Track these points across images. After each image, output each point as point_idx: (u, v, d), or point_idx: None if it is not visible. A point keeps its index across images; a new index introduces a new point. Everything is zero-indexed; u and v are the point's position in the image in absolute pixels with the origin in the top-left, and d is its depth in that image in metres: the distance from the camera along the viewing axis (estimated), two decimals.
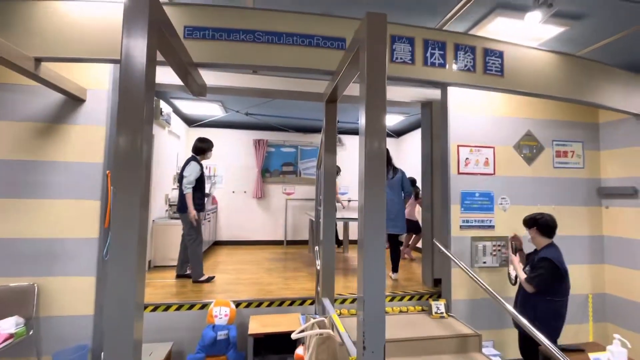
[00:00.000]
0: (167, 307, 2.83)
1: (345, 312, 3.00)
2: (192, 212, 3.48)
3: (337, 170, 5.87)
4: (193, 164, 3.61)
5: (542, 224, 2.36)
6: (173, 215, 4.45)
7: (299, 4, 2.49)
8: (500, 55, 2.49)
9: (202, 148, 3.74)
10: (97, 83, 2.65)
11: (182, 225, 3.68)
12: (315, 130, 6.41)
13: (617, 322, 3.28)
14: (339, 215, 4.70)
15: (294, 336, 1.55)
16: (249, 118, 5.54)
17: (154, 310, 2.79)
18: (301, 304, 3.04)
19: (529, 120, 3.34)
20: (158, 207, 4.41)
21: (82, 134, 2.60)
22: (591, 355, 1.85)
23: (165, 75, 2.84)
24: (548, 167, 3.35)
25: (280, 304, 3.01)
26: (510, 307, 2.22)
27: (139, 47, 1.27)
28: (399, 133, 6.64)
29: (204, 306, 2.86)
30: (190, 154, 3.82)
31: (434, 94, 3.68)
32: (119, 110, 1.22)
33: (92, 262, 2.55)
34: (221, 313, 2.59)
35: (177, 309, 2.84)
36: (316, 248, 3.04)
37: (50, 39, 2.08)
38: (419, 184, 5.13)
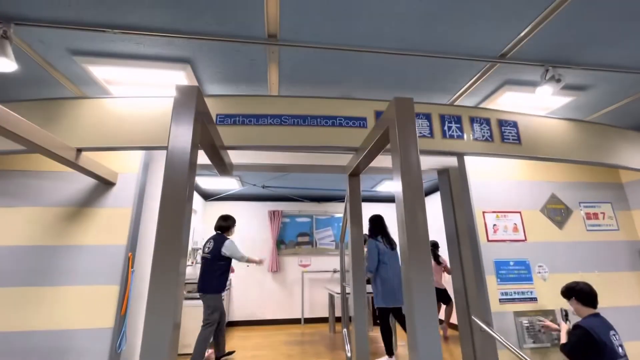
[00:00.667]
0: None
1: None
2: (257, 259, 4.14)
3: (366, 238, 5.71)
4: (230, 240, 3.94)
5: (579, 293, 2.25)
6: (187, 295, 4.23)
7: (319, 89, 2.71)
8: (515, 124, 2.58)
9: (227, 226, 4.03)
10: (128, 167, 2.77)
11: (204, 308, 3.52)
12: (329, 199, 6.45)
13: None
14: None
15: None
16: (264, 190, 5.64)
17: None
18: None
19: (551, 183, 3.31)
20: None
21: (108, 216, 2.62)
22: None
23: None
24: (581, 230, 3.20)
25: None
26: None
27: (185, 135, 1.35)
28: None
29: None
30: (208, 229, 3.84)
31: (450, 161, 3.73)
32: (164, 190, 1.24)
33: (104, 356, 2.34)
34: None
35: None
36: (344, 331, 2.77)
37: (91, 131, 2.25)
38: (444, 252, 4.93)
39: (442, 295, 4.62)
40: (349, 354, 2.56)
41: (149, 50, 2.20)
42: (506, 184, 3.20)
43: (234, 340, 4.55)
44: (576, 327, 2.14)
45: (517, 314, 2.83)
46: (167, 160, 1.31)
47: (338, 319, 5.67)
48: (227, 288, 3.93)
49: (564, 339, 2.26)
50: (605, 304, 3.01)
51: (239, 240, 6.08)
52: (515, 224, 3.09)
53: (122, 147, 2.22)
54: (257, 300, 5.80)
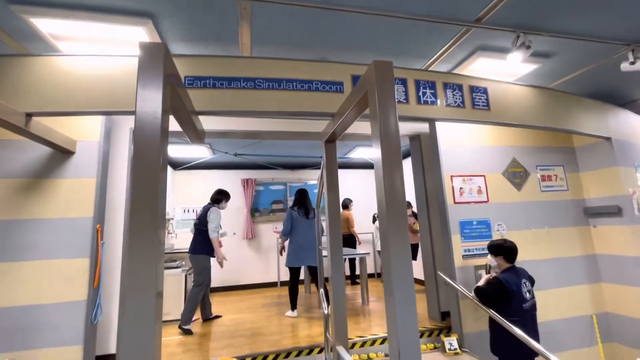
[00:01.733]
0: None
1: (356, 358, 2.84)
2: (220, 255, 3.83)
3: (349, 202, 5.79)
4: (215, 209, 4.01)
5: (506, 251, 2.52)
6: (167, 265, 4.19)
7: (293, 52, 2.60)
8: (485, 91, 2.66)
9: (219, 199, 4.20)
10: (88, 134, 2.56)
11: (192, 268, 3.79)
12: (303, 166, 6.44)
13: (624, 341, 3.28)
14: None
15: None
16: (237, 158, 5.51)
17: None
18: (309, 353, 2.86)
19: (513, 147, 3.52)
20: None
21: (70, 188, 2.45)
22: None
23: None
24: (536, 191, 3.49)
25: (287, 356, 2.80)
26: (521, 332, 2.17)
27: (154, 99, 1.26)
28: None
29: None
30: (178, 199, 3.74)
31: (421, 127, 3.84)
32: (135, 160, 1.18)
33: (79, 328, 2.30)
34: None
35: None
36: (321, 291, 2.91)
37: (42, 94, 2.02)
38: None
39: (412, 251, 4.97)
40: (326, 311, 2.71)
41: (100, 0, 1.96)
42: (473, 149, 3.36)
43: (214, 306, 4.64)
44: (495, 279, 2.46)
45: (477, 267, 3.12)
46: (136, 127, 1.22)
47: (313, 281, 5.94)
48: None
49: (481, 283, 2.59)
50: (550, 255, 3.40)
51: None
52: (479, 186, 3.29)
53: (80, 111, 2.03)
54: (233, 266, 5.87)
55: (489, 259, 2.62)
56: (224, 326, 3.65)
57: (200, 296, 3.67)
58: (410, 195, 5.52)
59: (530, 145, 3.60)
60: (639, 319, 3.17)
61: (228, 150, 4.97)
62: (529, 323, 2.33)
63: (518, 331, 2.16)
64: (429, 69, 2.79)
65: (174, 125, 2.12)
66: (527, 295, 2.36)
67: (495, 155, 3.44)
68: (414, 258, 5.05)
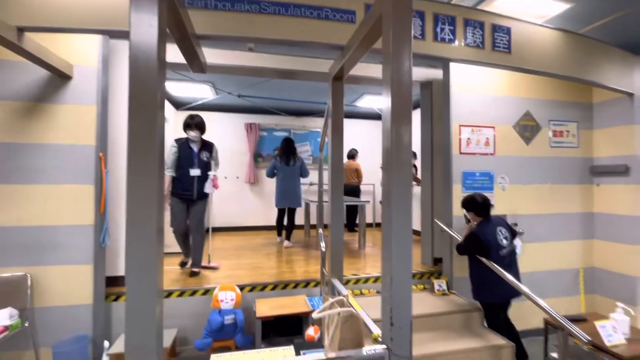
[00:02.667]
0: (169, 294, 2.75)
1: (349, 292, 3.01)
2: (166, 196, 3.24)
3: (355, 153, 5.75)
4: (216, 146, 3.63)
5: (475, 206, 2.59)
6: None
7: None
8: (508, 31, 2.46)
9: (184, 123, 3.46)
10: (85, 59, 2.45)
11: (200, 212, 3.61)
12: (307, 113, 6.29)
13: (605, 293, 3.45)
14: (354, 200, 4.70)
15: (315, 315, 1.53)
16: (240, 101, 5.36)
17: None
18: (305, 286, 3.03)
19: (528, 100, 3.37)
20: None
21: (70, 114, 2.42)
22: (597, 323, 1.92)
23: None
24: (545, 146, 3.41)
25: (285, 287, 2.99)
26: (511, 277, 2.28)
27: (149, 21, 1.14)
28: None
29: (207, 292, 2.80)
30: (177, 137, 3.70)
31: (434, 74, 3.64)
32: (131, 91, 1.10)
33: (89, 250, 2.43)
34: (227, 298, 2.54)
35: (180, 295, 2.77)
36: (320, 231, 3.01)
37: (34, 7, 1.89)
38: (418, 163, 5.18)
39: None
40: (323, 249, 2.82)
41: None
42: (485, 99, 3.22)
43: (217, 242, 4.87)
44: (471, 234, 2.54)
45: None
46: (130, 55, 1.11)
47: (312, 226, 6.12)
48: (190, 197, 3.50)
49: (461, 240, 2.68)
50: (549, 211, 3.43)
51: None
52: (487, 138, 3.21)
53: (74, 28, 1.91)
54: (236, 209, 6.05)
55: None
56: (225, 260, 3.85)
57: (176, 235, 3.53)
58: (416, 145, 5.46)
59: (547, 98, 3.44)
60: (622, 274, 3.29)
61: (232, 91, 4.82)
62: (507, 268, 2.41)
63: (501, 270, 2.28)
64: (451, 2, 2.54)
65: (175, 55, 2.01)
66: (504, 242, 2.44)
67: (508, 107, 3.30)
68: None
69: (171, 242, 4.05)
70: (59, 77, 2.41)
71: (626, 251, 3.28)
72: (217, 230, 5.92)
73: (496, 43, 2.41)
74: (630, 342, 1.93)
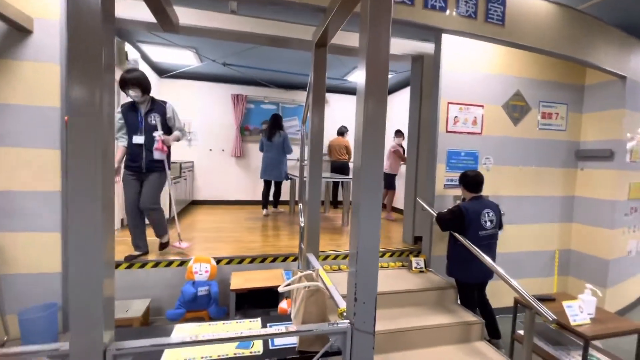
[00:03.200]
0: (144, 265, 2.71)
1: (328, 267, 3.02)
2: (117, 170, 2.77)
3: (345, 130, 5.58)
4: (171, 105, 2.94)
5: (466, 181, 2.60)
6: None
7: None
8: (503, 2, 2.33)
9: (120, 80, 2.71)
10: (46, 11, 2.25)
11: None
12: (297, 86, 6.09)
13: (578, 275, 3.54)
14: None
15: (281, 289, 1.50)
16: (226, 70, 5.12)
17: (129, 267, 2.66)
18: (284, 260, 3.02)
19: (519, 79, 3.27)
20: None
21: (31, 72, 2.24)
22: (564, 303, 1.95)
23: (129, 10, 2.48)
24: (533, 128, 3.36)
25: (263, 261, 2.97)
26: (488, 258, 2.29)
27: None
28: None
29: (183, 263, 2.76)
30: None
31: (426, 47, 3.49)
32: (70, 48, 0.98)
33: (56, 217, 2.34)
34: (201, 269, 2.51)
35: (155, 266, 2.73)
36: (299, 206, 2.96)
37: None
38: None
39: (388, 182, 5.05)
40: (302, 224, 2.78)
41: None
42: (476, 76, 3.11)
43: (199, 216, 4.81)
44: (455, 206, 2.55)
45: (456, 197, 3.15)
46: (69, 4, 0.98)
47: (297, 202, 6.10)
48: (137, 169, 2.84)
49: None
50: (531, 193, 3.43)
51: (199, 123, 5.81)
52: (475, 117, 3.14)
53: None
54: (220, 182, 5.95)
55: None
56: (206, 232, 3.80)
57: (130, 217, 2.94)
58: (404, 123, 5.35)
59: (538, 78, 3.35)
60: (596, 256, 3.36)
61: (216, 58, 4.58)
62: (485, 249, 2.42)
63: (478, 251, 2.28)
64: None
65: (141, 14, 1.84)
66: (487, 224, 2.43)
67: (498, 85, 3.20)
68: (393, 187, 5.13)
69: None
70: (17, 31, 2.21)
71: (603, 235, 3.34)
72: (199, 203, 5.84)
73: (489, 14, 2.28)
74: (594, 322, 1.98)
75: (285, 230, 4.09)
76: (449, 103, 3.05)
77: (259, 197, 6.04)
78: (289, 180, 5.41)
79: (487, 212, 2.45)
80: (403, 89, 5.92)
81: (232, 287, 2.42)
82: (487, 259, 2.26)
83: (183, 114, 5.70)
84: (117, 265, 2.66)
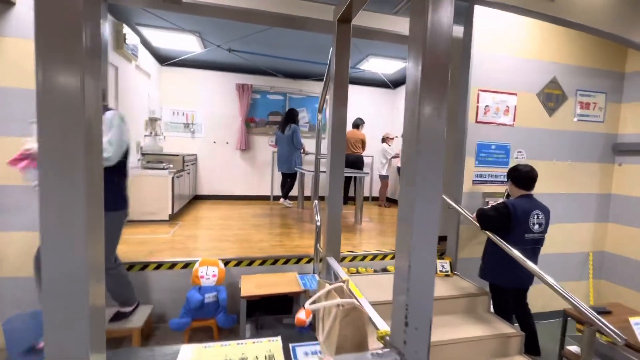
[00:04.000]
0: (144, 267, 2.46)
1: (345, 270, 2.76)
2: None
3: (361, 122, 5.26)
4: (111, 114, 1.99)
5: (516, 176, 2.29)
6: (147, 165, 3.92)
7: None
8: None
9: None
10: None
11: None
12: (306, 76, 5.79)
13: (612, 279, 3.27)
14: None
15: (307, 307, 1.25)
16: (231, 57, 4.83)
17: (128, 269, 2.42)
18: (297, 262, 2.77)
19: (555, 64, 2.97)
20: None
21: (13, 49, 1.97)
22: (632, 319, 1.69)
23: None
24: (569, 119, 3.07)
25: (274, 262, 2.72)
26: (531, 263, 2.02)
27: None
28: (395, 84, 6.15)
29: (187, 265, 2.51)
30: (165, 97, 3.21)
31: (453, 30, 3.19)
32: (38, 22, 0.70)
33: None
34: (208, 273, 2.26)
35: (156, 268, 2.48)
36: (315, 202, 2.70)
37: None
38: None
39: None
40: (318, 223, 2.52)
41: None
42: (509, 61, 2.81)
43: (203, 211, 4.56)
44: (503, 203, 2.24)
45: (486, 194, 2.88)
46: None
47: (307, 198, 5.84)
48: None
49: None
50: (565, 190, 3.15)
51: (202, 114, 5.53)
52: (508, 106, 2.85)
53: None
54: (225, 176, 5.69)
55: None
56: (211, 230, 3.55)
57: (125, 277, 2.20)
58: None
59: (575, 64, 3.04)
60: (634, 259, 3.09)
61: (221, 44, 4.29)
62: (529, 255, 2.16)
63: (517, 253, 2.00)
64: None
65: None
66: (535, 227, 2.15)
67: (534, 71, 2.91)
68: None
69: (155, 210, 3.74)
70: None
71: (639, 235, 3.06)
72: (203, 198, 5.59)
73: None
74: None
75: (295, 228, 3.83)
76: (479, 91, 2.76)
77: (265, 192, 5.82)
78: (299, 174, 5.15)
79: (537, 214, 2.17)
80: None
81: (242, 294, 2.17)
82: (530, 264, 1.99)
83: (186, 104, 5.45)
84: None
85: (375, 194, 6.09)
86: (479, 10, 2.66)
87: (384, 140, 5.62)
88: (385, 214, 5.12)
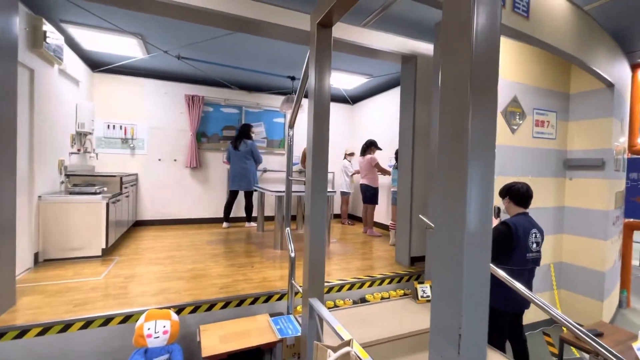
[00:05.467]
0: (66, 327, 1.88)
1: (331, 304, 2.45)
2: None
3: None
4: None
5: (514, 193, 2.22)
6: (73, 190, 3.23)
7: None
8: None
9: None
10: None
11: None
12: (263, 89, 5.47)
13: (572, 288, 3.41)
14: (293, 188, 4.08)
15: None
16: (179, 65, 4.34)
17: (41, 333, 1.82)
18: (266, 300, 2.38)
19: (515, 84, 3.08)
20: (47, 178, 3.13)
21: None
22: (635, 345, 1.63)
23: None
24: (528, 136, 3.18)
25: (240, 304, 2.30)
26: (519, 284, 1.92)
27: None
28: (354, 99, 6.12)
29: (128, 318, 1.99)
30: (99, 107, 2.66)
31: (419, 47, 3.17)
32: None
33: None
34: (157, 329, 1.78)
35: (84, 326, 1.91)
36: (287, 230, 2.36)
37: None
38: (393, 149, 4.80)
39: (371, 196, 4.66)
40: (292, 254, 2.19)
41: None
42: None
43: (145, 241, 3.90)
44: (503, 222, 2.16)
45: None
46: None
47: (268, 218, 5.42)
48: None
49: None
50: (531, 205, 3.24)
51: (144, 128, 4.87)
52: None
53: None
54: (172, 198, 5.03)
55: (501, 202, 2.29)
56: (158, 265, 2.98)
57: None
58: (390, 131, 5.02)
59: (532, 84, 3.19)
60: (590, 269, 3.26)
61: (169, 49, 3.80)
62: (526, 276, 2.09)
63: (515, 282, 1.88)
64: None
65: None
66: (534, 246, 2.08)
67: (499, 90, 2.96)
68: (375, 202, 4.74)
69: (83, 244, 3.07)
70: None
71: (595, 246, 3.25)
72: (146, 224, 4.87)
73: (516, 2, 1.97)
74: None
75: (258, 256, 3.42)
76: None
77: (219, 214, 5.25)
78: (257, 194, 4.74)
79: (535, 233, 2.10)
80: (371, 97, 5.63)
81: (204, 354, 1.72)
82: (523, 289, 1.88)
83: (123, 117, 4.76)
84: (3, 333, 1.81)
85: (337, 211, 5.90)
86: None
87: (345, 156, 5.49)
88: (349, 232, 4.92)
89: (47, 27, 2.91)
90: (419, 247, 3.17)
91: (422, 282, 2.70)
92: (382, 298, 2.70)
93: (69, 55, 3.61)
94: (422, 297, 2.63)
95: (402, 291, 2.81)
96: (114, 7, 2.77)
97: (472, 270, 0.77)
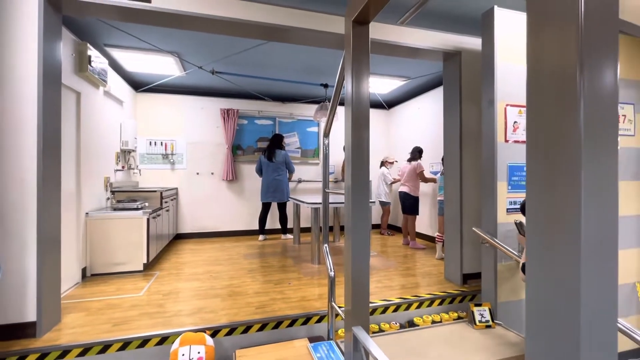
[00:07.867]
0: (106, 347, 1.85)
1: (375, 327, 2.22)
2: None
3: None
4: None
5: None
6: (116, 205, 3.33)
7: None
8: None
9: None
10: None
11: None
12: (296, 98, 5.42)
13: None
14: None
15: None
16: (214, 80, 4.41)
17: (82, 354, 1.80)
18: (305, 322, 2.21)
19: None
20: (94, 195, 3.25)
21: None
22: None
23: None
24: None
25: (277, 326, 2.15)
26: None
27: None
28: (390, 104, 5.86)
29: (164, 340, 1.92)
30: (142, 126, 2.71)
31: (463, 41, 2.90)
32: None
33: None
34: (192, 355, 1.68)
35: (122, 347, 1.87)
36: (325, 247, 2.19)
37: None
38: (434, 154, 4.52)
39: (412, 206, 4.33)
40: (331, 273, 2.01)
41: None
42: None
43: (185, 255, 3.93)
44: None
45: (524, 225, 2.46)
46: None
47: (304, 230, 5.30)
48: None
49: (524, 258, 1.95)
50: None
51: (183, 143, 5.01)
52: None
53: None
54: (210, 211, 5.09)
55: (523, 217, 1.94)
56: (196, 281, 2.94)
57: None
58: (435, 131, 4.72)
59: None
60: None
61: (203, 65, 3.87)
62: None
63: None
64: None
65: None
66: None
67: None
68: (416, 212, 4.41)
69: (127, 259, 3.13)
70: None
71: None
72: (186, 237, 4.96)
73: None
74: None
75: (296, 271, 3.27)
76: (507, 105, 2.40)
77: (255, 226, 5.22)
78: (292, 205, 4.64)
79: None
80: (407, 101, 5.33)
81: None
82: None
83: (164, 134, 4.93)
84: (46, 353, 1.80)
85: (374, 221, 5.63)
86: (499, 17, 2.36)
87: (382, 164, 5.23)
88: (389, 244, 4.62)
89: (92, 51, 3.06)
90: (472, 263, 2.84)
91: (479, 305, 2.38)
92: (433, 321, 2.41)
93: (113, 77, 3.79)
94: (480, 321, 2.30)
95: (456, 314, 2.50)
96: (151, 27, 2.84)
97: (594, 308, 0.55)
